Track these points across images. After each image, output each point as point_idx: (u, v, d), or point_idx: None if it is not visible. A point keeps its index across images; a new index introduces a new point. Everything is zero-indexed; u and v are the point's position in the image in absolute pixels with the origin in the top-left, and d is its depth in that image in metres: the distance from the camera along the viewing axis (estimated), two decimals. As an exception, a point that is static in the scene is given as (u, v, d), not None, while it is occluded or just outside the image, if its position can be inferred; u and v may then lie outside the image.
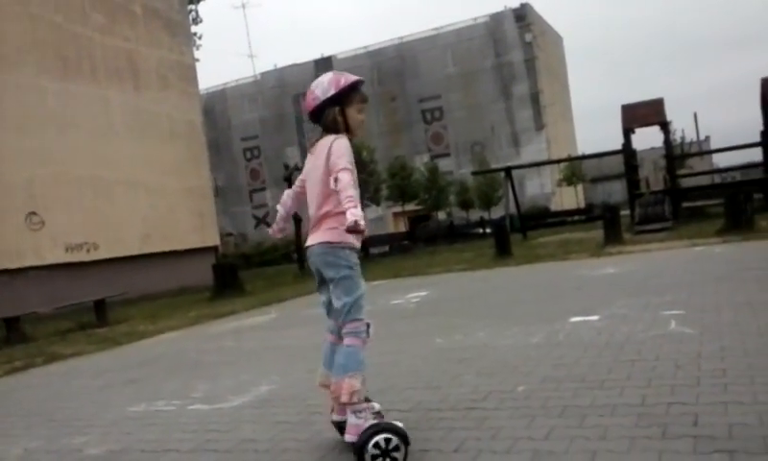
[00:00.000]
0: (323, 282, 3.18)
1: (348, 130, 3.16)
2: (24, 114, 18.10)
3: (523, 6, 49.17)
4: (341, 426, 3.08)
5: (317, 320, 8.06)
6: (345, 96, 3.15)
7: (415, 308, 8.48)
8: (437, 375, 4.43)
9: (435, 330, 6.29)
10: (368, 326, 3.10)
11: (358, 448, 2.79)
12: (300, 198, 3.39)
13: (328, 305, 3.20)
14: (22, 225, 18.01)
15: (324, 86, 3.13)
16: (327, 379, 3.13)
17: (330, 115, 3.14)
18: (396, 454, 2.77)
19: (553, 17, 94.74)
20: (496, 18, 49.49)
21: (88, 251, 19.53)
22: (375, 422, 2.89)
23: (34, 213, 18.36)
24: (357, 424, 2.89)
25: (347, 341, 3.06)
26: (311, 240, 3.12)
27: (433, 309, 8.14)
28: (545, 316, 6.25)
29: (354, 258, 3.11)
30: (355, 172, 3.03)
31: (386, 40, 53.03)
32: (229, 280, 15.18)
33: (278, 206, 3.52)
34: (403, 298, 9.80)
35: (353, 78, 3.18)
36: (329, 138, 3.09)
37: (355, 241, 3.08)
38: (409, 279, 13.36)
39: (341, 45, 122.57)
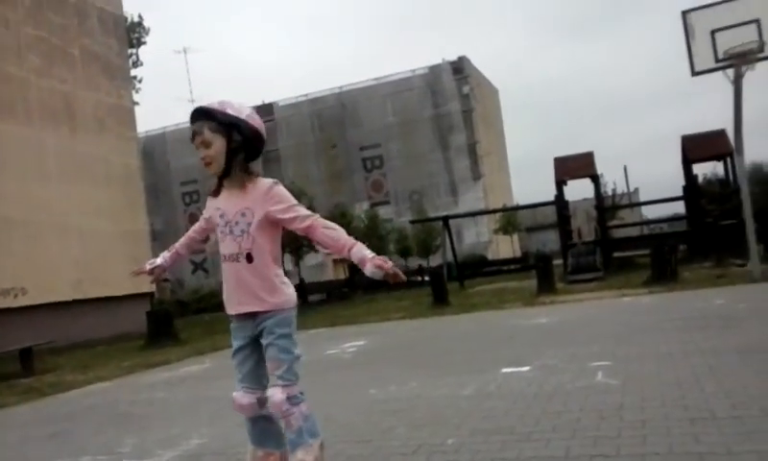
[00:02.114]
0: None
1: None
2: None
3: (461, 59, 50.63)
4: None
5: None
6: None
7: (350, 358, 8.49)
8: (369, 427, 4.45)
9: (369, 381, 6.32)
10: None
11: None
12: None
13: None
14: (-55, 269, 17.31)
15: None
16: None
17: None
18: None
19: (489, 70, 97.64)
20: (435, 70, 50.75)
21: (16, 296, 18.82)
22: None
23: (-42, 257, 17.68)
24: None
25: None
26: None
27: (369, 359, 8.17)
28: (478, 366, 6.36)
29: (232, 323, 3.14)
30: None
31: (326, 89, 53.65)
32: (164, 328, 14.88)
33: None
34: (339, 347, 9.80)
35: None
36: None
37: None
38: (346, 327, 13.36)
39: (281, 92, 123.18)
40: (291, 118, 53.67)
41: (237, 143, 2.90)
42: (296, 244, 28.56)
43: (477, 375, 5.90)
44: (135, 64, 33.48)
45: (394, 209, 49.75)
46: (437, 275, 16.92)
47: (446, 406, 4.80)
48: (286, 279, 3.03)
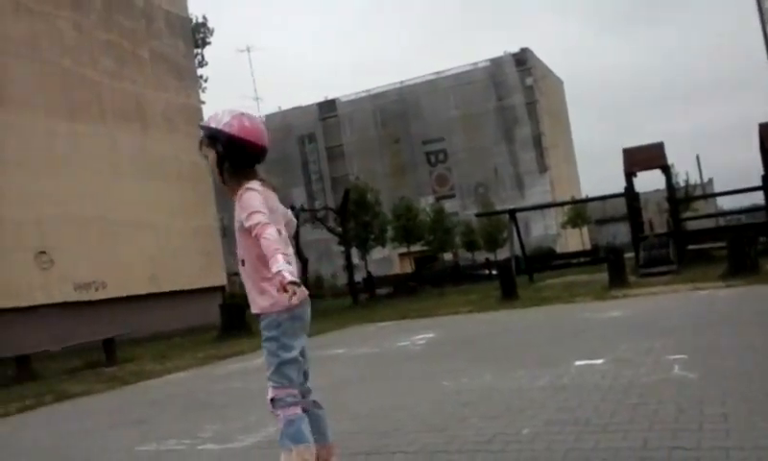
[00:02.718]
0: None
1: None
2: (32, 156, 18.37)
3: (523, 51, 49.99)
4: None
5: (324, 361, 8.14)
6: None
7: (421, 351, 8.54)
8: (443, 417, 4.50)
9: (441, 373, 6.36)
10: None
11: None
12: None
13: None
14: (32, 263, 18.17)
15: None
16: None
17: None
18: None
19: (553, 62, 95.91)
20: (497, 63, 50.27)
21: (97, 289, 19.65)
22: None
23: (43, 252, 18.52)
24: None
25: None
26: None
27: (439, 352, 8.20)
28: (550, 360, 6.32)
29: None
30: None
31: (388, 84, 53.79)
32: (236, 320, 15.26)
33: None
34: (409, 340, 9.86)
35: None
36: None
37: None
38: (415, 320, 13.43)
39: (344, 89, 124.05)
40: (354, 114, 54.04)
41: (221, 153, 3.00)
42: (363, 237, 28.76)
43: (550, 368, 5.87)
44: (201, 64, 34.29)
45: (459, 203, 49.58)
46: (506, 268, 16.79)
47: (520, 398, 4.80)
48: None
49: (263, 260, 2.81)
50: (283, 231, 3.01)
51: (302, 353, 3.05)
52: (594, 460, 3.16)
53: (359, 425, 4.55)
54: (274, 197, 3.08)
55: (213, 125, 3.04)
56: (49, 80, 19.31)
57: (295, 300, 2.69)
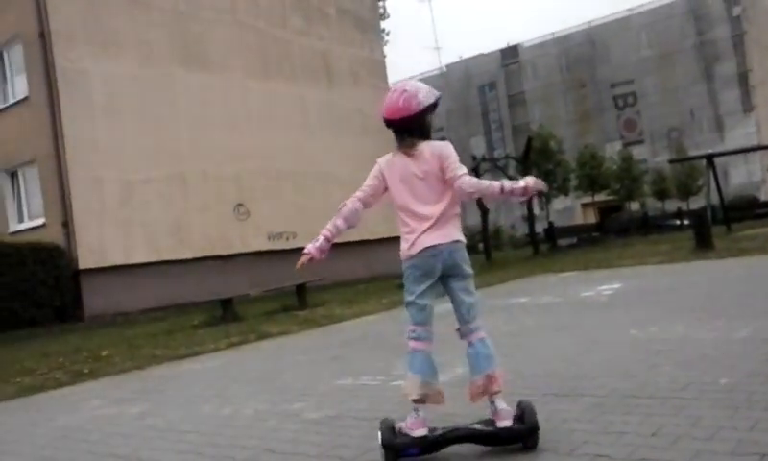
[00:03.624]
0: (434, 285, 3.22)
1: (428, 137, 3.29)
2: (231, 114, 19.87)
3: (731, -24, 45.52)
4: (433, 442, 3.09)
5: (508, 309, 8.19)
6: (434, 106, 3.27)
7: (607, 301, 8.32)
8: (632, 364, 4.40)
9: (629, 322, 6.18)
10: None
11: (532, 428, 2.95)
12: (369, 206, 3.43)
13: (432, 311, 3.27)
14: (231, 215, 19.81)
15: (425, 93, 3.20)
16: (430, 388, 3.21)
17: (428, 120, 3.28)
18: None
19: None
20: (699, -7, 46.23)
21: (288, 239, 21.04)
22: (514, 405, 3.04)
23: (241, 205, 20.12)
24: (508, 409, 3.03)
25: (484, 333, 3.22)
26: (439, 239, 3.11)
27: (627, 301, 7.94)
28: (752, 311, 5.91)
29: None
30: None
31: (574, 26, 51.53)
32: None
33: (339, 221, 3.42)
34: (594, 290, 9.63)
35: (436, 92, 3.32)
36: (437, 144, 3.24)
37: None
38: (599, 271, 13.04)
39: (527, 33, 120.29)
40: (537, 59, 52.46)
41: None
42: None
43: (751, 319, 5.49)
44: (382, 17, 34.83)
45: (649, 149, 46.85)
46: (700, 217, 15.75)
47: (717, 349, 4.57)
48: (403, 234, 3.31)
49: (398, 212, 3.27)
50: (399, 196, 3.27)
51: (428, 297, 3.26)
52: (803, 413, 2.96)
53: (547, 369, 4.58)
54: (406, 164, 3.22)
55: None
56: (245, 41, 20.68)
57: (298, 265, 3.43)
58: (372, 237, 23.53)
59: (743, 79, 44.94)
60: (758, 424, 2.87)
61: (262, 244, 20.41)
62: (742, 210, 31.01)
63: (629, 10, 49.04)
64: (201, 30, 19.49)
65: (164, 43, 18.64)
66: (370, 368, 5.51)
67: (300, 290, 13.36)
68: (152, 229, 17.85)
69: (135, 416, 4.88)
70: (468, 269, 3.22)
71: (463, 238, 3.20)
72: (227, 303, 12.07)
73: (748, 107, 44.77)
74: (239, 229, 19.94)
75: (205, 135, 19.12)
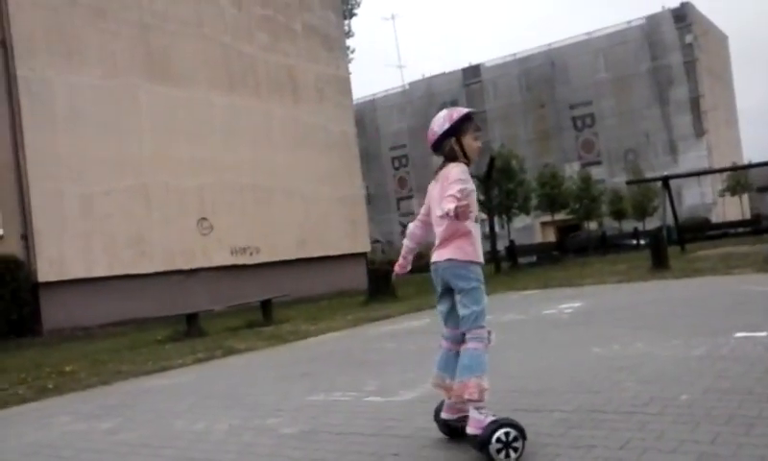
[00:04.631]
0: (444, 294, 3.56)
1: (465, 156, 3.54)
2: (195, 127, 19.80)
3: (683, 5, 46.93)
4: (447, 425, 3.56)
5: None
6: (458, 127, 3.52)
7: (568, 319, 8.53)
8: (596, 380, 4.57)
9: (591, 340, 6.38)
10: (489, 332, 3.42)
11: (483, 440, 3.12)
12: (427, 225, 3.74)
13: (447, 315, 3.59)
14: (194, 229, 19.68)
15: (440, 122, 3.55)
16: (441, 381, 3.56)
17: (447, 146, 3.54)
18: (516, 444, 3.08)
19: (717, 15, 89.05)
20: (653, 20, 47.58)
21: (251, 254, 20.98)
22: (495, 418, 3.18)
23: (204, 218, 20.01)
24: (479, 419, 3.21)
25: (471, 345, 3.38)
26: (438, 257, 3.49)
27: (587, 320, 8.17)
28: (707, 330, 6.16)
29: (480, 273, 3.46)
30: (473, 192, 3.43)
31: (535, 47, 52.53)
32: (383, 286, 15.77)
33: (406, 240, 3.82)
34: (556, 308, 9.85)
35: (465, 110, 3.57)
36: (451, 166, 3.47)
37: (480, 258, 3.48)
38: (560, 289, 13.31)
39: (489, 53, 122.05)
40: (498, 79, 53.29)
41: None
42: (506, 205, 28.58)
43: (707, 338, 5.74)
44: (347, 35, 35.07)
45: (606, 170, 47.85)
46: (656, 237, 16.20)
47: (676, 366, 4.78)
48: None
49: None
50: (431, 217, 3.63)
51: (443, 304, 3.60)
52: (759, 427, 3.15)
53: (515, 385, 4.72)
54: (434, 185, 3.61)
55: None
56: (210, 55, 20.65)
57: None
58: (335, 253, 23.63)
59: (695, 104, 46.32)
60: (719, 438, 3.05)
61: (225, 259, 20.31)
62: (695, 231, 31.92)
63: (587, 34, 50.23)
64: (166, 43, 19.42)
65: (129, 55, 18.51)
66: (340, 384, 5.59)
67: (266, 306, 13.36)
68: (113, 242, 17.64)
69: (107, 431, 4.88)
70: (462, 284, 3.41)
71: (459, 256, 3.41)
72: (192, 319, 12.01)
73: (700, 131, 46.11)
74: (202, 243, 19.82)
75: (169, 148, 19.01)
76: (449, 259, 3.43)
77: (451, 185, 3.28)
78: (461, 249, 3.41)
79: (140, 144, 18.46)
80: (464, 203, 3.10)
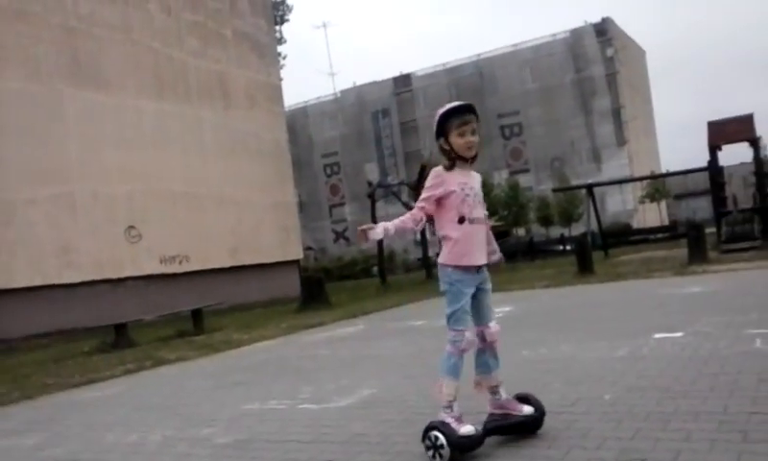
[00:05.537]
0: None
1: (457, 154, 3.47)
2: (123, 133, 19.35)
3: (604, 20, 48.70)
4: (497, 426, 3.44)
5: (405, 332, 8.47)
6: (443, 126, 3.49)
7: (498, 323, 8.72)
8: (525, 383, 4.70)
9: (520, 344, 6.57)
10: (465, 335, 3.40)
11: (422, 434, 3.26)
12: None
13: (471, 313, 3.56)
14: (122, 237, 19.21)
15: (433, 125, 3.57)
16: (479, 380, 3.53)
17: (438, 147, 3.54)
18: (441, 451, 3.15)
19: (635, 31, 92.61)
20: (576, 34, 49.17)
21: (180, 262, 20.61)
22: (439, 420, 3.25)
23: (132, 227, 19.55)
24: (441, 417, 3.28)
25: (446, 346, 3.44)
26: None
27: (517, 324, 8.39)
28: (629, 332, 6.45)
29: (456, 276, 3.42)
30: (453, 193, 3.44)
31: (464, 57, 53.42)
32: (316, 293, 15.76)
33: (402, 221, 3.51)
34: (486, 312, 10.04)
35: (446, 107, 3.53)
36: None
37: (460, 262, 3.42)
38: (490, 294, 13.56)
39: (419, 63, 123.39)
40: (428, 88, 53.92)
41: None
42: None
43: (629, 339, 6.01)
44: (279, 42, 34.91)
45: (534, 177, 49.02)
46: (581, 243, 16.74)
47: (600, 367, 4.99)
48: None
49: None
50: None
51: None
52: (675, 422, 3.35)
53: (446, 389, 4.82)
54: None
55: None
56: (139, 61, 20.22)
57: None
58: (268, 261, 23.45)
59: (617, 114, 48.08)
60: (639, 433, 3.23)
61: (154, 267, 19.88)
62: (617, 236, 33.04)
63: (514, 45, 51.48)
64: (93, 47, 18.91)
65: (53, 59, 17.93)
66: (275, 392, 5.60)
67: (197, 315, 13.16)
68: (37, 251, 17.04)
69: (32, 448, 4.75)
70: (441, 285, 3.51)
71: (441, 259, 3.48)
72: (120, 329, 11.72)
73: (621, 140, 47.86)
74: (130, 251, 19.35)
75: (96, 155, 18.50)
76: (438, 262, 3.52)
77: (424, 189, 3.42)
78: (442, 252, 3.48)
79: (66, 151, 17.90)
80: (419, 215, 3.35)
